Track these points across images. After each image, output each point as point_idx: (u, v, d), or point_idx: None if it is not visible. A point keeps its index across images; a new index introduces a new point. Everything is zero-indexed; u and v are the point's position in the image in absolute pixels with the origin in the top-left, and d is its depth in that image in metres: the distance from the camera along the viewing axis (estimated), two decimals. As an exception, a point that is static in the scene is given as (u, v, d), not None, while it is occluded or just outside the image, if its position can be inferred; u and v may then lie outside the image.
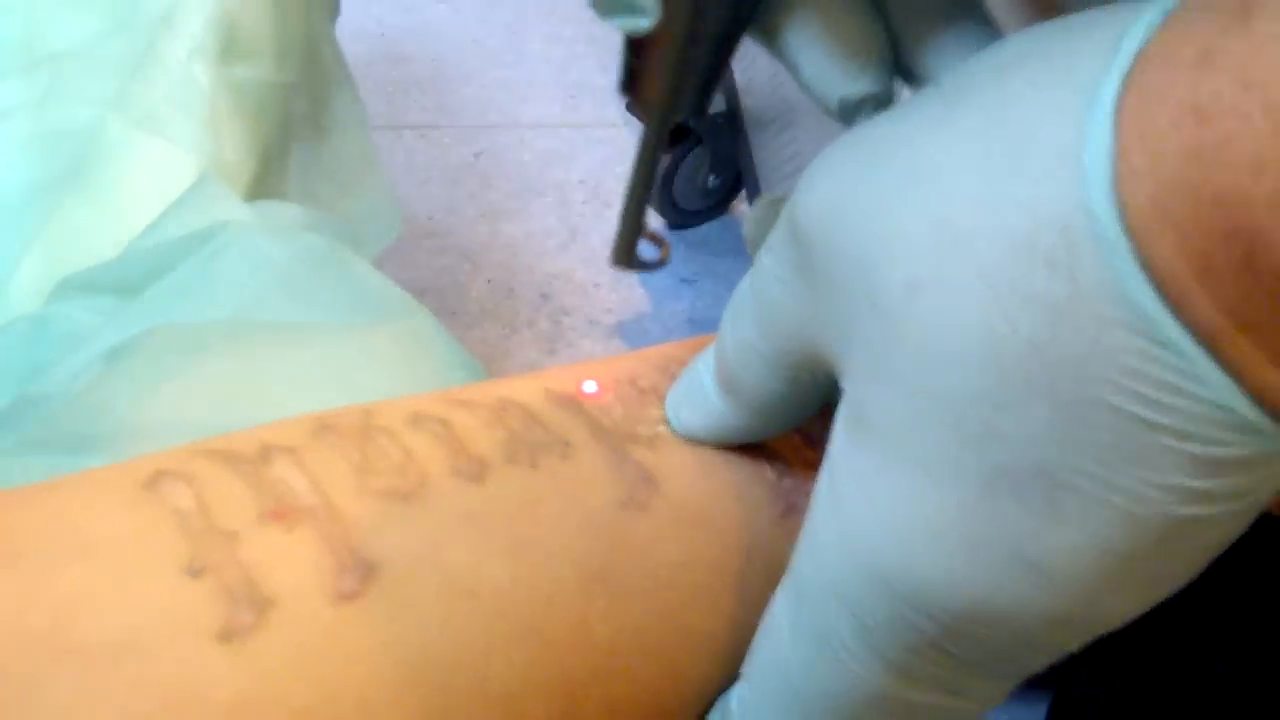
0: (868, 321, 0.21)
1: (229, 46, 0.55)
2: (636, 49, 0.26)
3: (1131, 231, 0.18)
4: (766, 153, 0.79)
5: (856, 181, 0.22)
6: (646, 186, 0.28)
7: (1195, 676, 0.46)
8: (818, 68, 0.25)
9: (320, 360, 0.36)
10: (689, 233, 1.08)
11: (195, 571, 0.22)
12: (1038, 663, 0.22)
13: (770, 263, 0.24)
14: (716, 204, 1.13)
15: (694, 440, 0.27)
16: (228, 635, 0.21)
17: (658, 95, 0.26)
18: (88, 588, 0.21)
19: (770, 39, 0.26)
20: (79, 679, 0.20)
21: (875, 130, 0.22)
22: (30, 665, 0.20)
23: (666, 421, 0.28)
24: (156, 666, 0.21)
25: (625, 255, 0.29)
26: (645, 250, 0.29)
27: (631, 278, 1.00)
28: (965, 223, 0.20)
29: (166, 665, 0.21)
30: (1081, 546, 0.20)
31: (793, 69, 0.26)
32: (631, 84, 0.26)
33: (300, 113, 0.60)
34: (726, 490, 0.27)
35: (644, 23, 0.23)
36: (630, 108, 0.27)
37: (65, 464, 0.33)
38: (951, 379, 0.20)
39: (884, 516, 0.21)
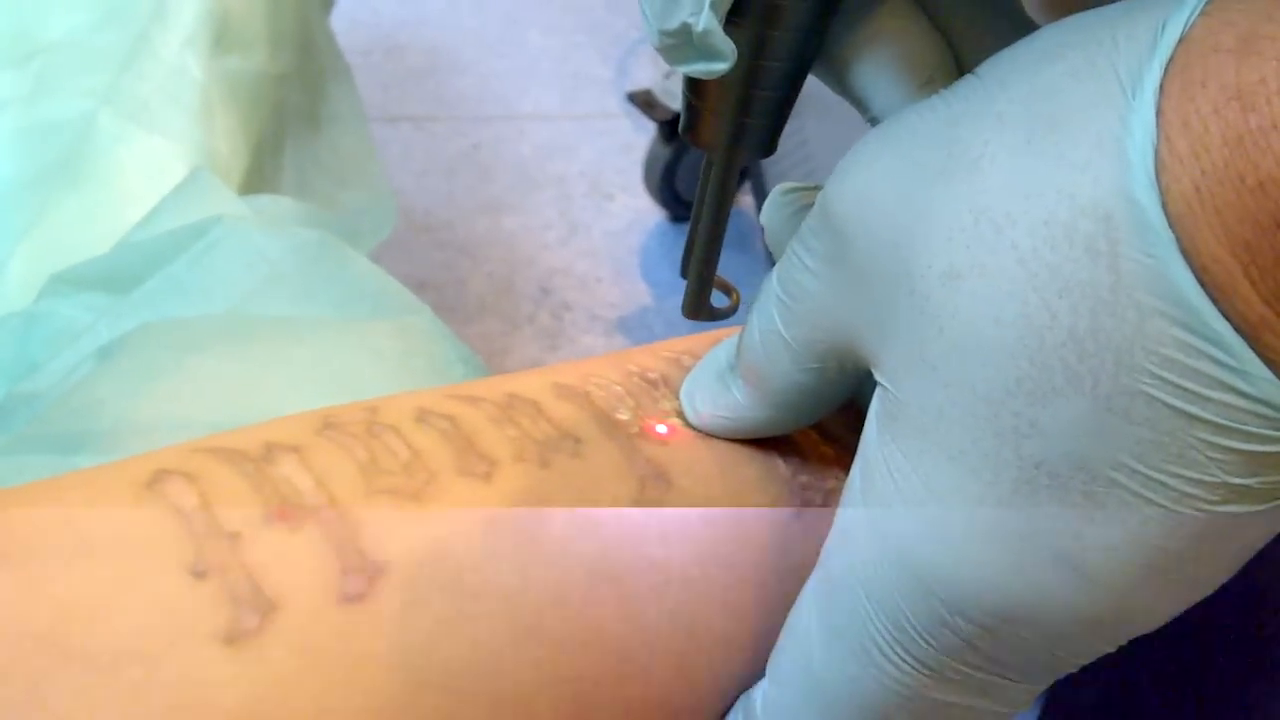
0: (904, 311, 0.21)
1: (222, 37, 0.54)
2: (696, 89, 0.24)
3: (1174, 220, 0.18)
4: (771, 144, 0.78)
5: (894, 170, 0.21)
6: (717, 234, 0.27)
7: (1193, 674, 0.46)
8: (888, 99, 0.24)
9: (317, 356, 0.36)
10: (690, 226, 1.07)
11: (199, 573, 0.22)
12: (1071, 664, 0.22)
13: (801, 251, 0.24)
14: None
15: (709, 433, 0.27)
16: (232, 638, 0.21)
17: (720, 137, 0.25)
18: (90, 590, 0.21)
19: (836, 75, 0.25)
20: (81, 683, 0.20)
21: (912, 119, 0.22)
22: (31, 669, 0.20)
23: (679, 414, 0.27)
24: (160, 670, 0.20)
25: (698, 308, 0.27)
26: (716, 299, 0.28)
27: (632, 271, 1.00)
28: (1005, 210, 0.19)
29: (170, 669, 0.21)
30: (1120, 544, 0.19)
31: (862, 103, 0.25)
32: (693, 126, 0.25)
33: (295, 104, 0.59)
34: (740, 486, 0.26)
35: (721, 66, 0.22)
36: (689, 138, 0.26)
37: (58, 462, 0.33)
38: (989, 370, 0.20)
39: (918, 512, 0.21)
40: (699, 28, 0.21)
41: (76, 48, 0.52)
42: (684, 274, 0.28)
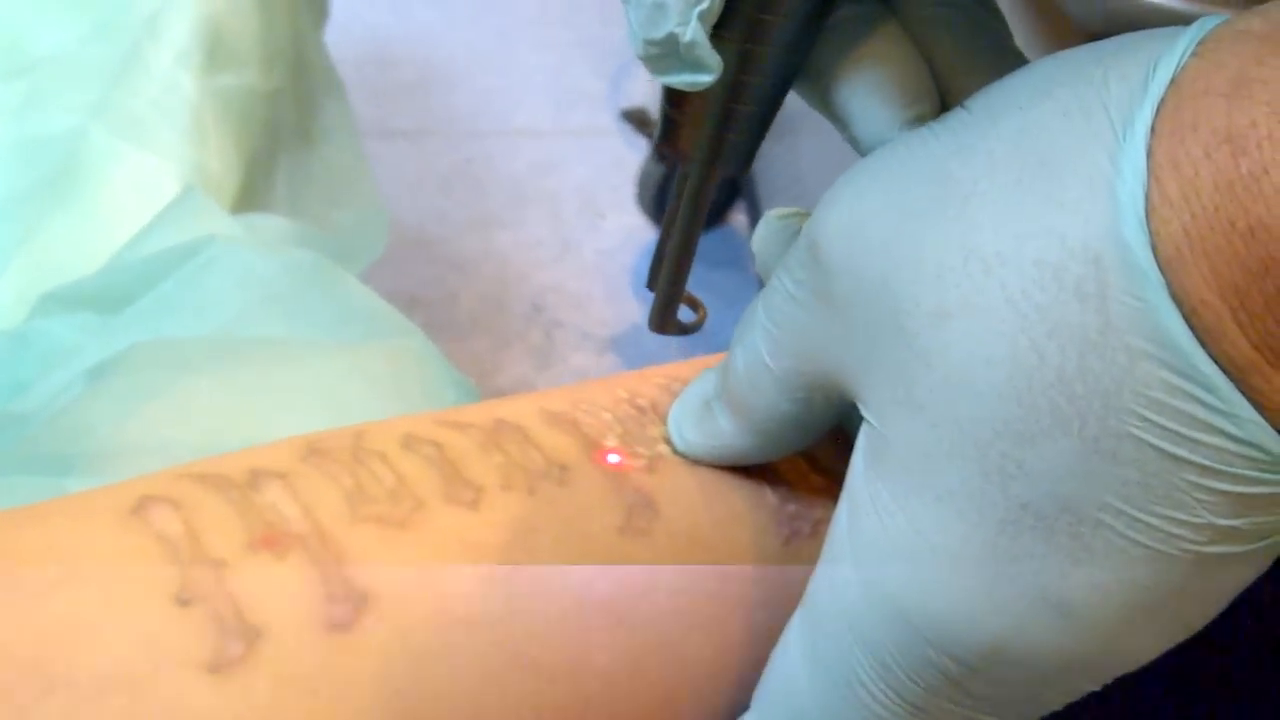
0: (891, 348, 0.21)
1: (214, 53, 0.54)
2: (675, 100, 0.24)
3: (1164, 263, 0.18)
4: (765, 162, 0.79)
5: (882, 205, 0.21)
6: (688, 248, 0.26)
7: (1189, 671, 0.46)
8: (870, 120, 0.24)
9: (308, 379, 0.36)
10: (683, 243, 1.07)
11: (184, 601, 0.22)
12: (1056, 703, 0.22)
13: (787, 282, 0.23)
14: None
15: (696, 460, 0.27)
16: (217, 666, 0.21)
17: (698, 150, 0.24)
18: (74, 617, 0.21)
19: (819, 93, 0.25)
20: (65, 710, 0.20)
21: (901, 152, 0.22)
22: (15, 696, 0.20)
23: (667, 440, 0.27)
24: (144, 699, 0.20)
25: (665, 322, 0.26)
26: (683, 313, 0.27)
27: (624, 290, 1.00)
28: (995, 250, 0.19)
29: (155, 697, 0.20)
30: (1107, 585, 0.19)
31: (842, 122, 0.25)
32: (669, 136, 0.24)
33: (288, 121, 0.59)
34: (728, 515, 0.26)
35: (706, 79, 0.21)
36: (664, 155, 0.25)
37: (46, 484, 0.32)
38: (976, 409, 0.20)
39: (904, 551, 0.21)
40: (686, 38, 0.21)
41: (67, 62, 0.51)
42: (650, 286, 0.27)
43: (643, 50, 0.21)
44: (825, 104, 0.25)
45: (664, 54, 0.21)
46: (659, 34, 0.21)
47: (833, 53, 0.24)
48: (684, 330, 0.26)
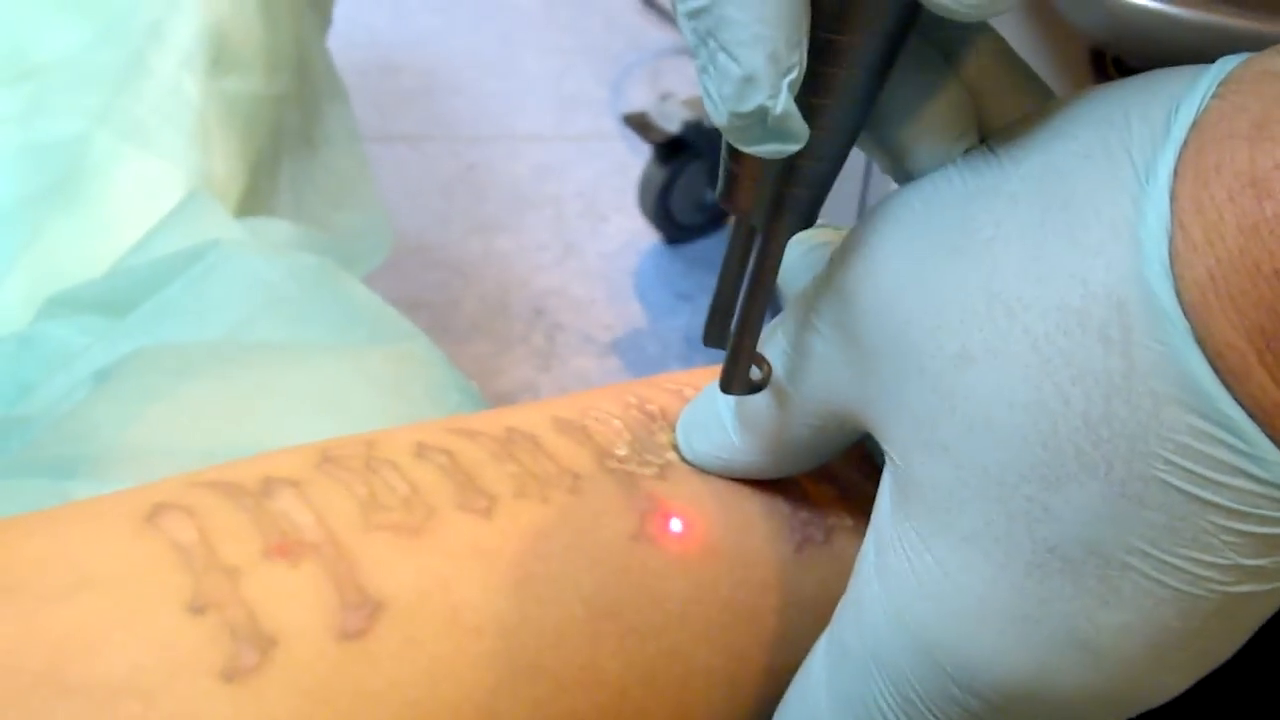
0: (915, 390, 0.21)
1: (219, 58, 0.54)
2: (736, 155, 0.23)
3: (1188, 307, 0.18)
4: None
5: (905, 246, 0.21)
6: (759, 307, 0.25)
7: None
8: (930, 158, 0.22)
9: (313, 383, 0.36)
10: (686, 248, 1.07)
11: (198, 609, 0.22)
12: None
13: (809, 313, 0.23)
14: (714, 219, 1.12)
15: (706, 470, 0.27)
16: (231, 675, 0.21)
17: (760, 206, 0.23)
18: (87, 625, 0.21)
19: (877, 140, 0.24)
20: (78, 719, 0.20)
21: (926, 192, 0.22)
22: (29, 704, 0.20)
23: (675, 448, 0.27)
24: (157, 707, 0.20)
25: (734, 380, 0.25)
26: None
27: (626, 293, 1.00)
28: (1018, 295, 0.19)
29: (168, 706, 0.20)
30: (1134, 627, 0.19)
31: (894, 157, 0.23)
32: (729, 191, 0.23)
33: (291, 125, 0.59)
34: (740, 522, 0.26)
35: (794, 147, 0.20)
36: (726, 205, 0.24)
37: (51, 487, 0.32)
38: (1002, 453, 0.20)
39: (932, 591, 0.21)
40: (777, 110, 0.19)
41: (72, 67, 0.51)
42: (709, 342, 0.26)
43: (727, 122, 0.20)
44: (881, 148, 0.24)
45: (751, 125, 0.20)
46: (748, 107, 0.20)
47: (891, 96, 0.23)
48: (754, 389, 0.25)
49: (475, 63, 1.24)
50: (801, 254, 0.27)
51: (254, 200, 0.53)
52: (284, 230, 0.47)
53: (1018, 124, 0.21)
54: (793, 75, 0.19)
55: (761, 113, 0.20)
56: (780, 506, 0.27)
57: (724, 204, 0.24)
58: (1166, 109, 0.19)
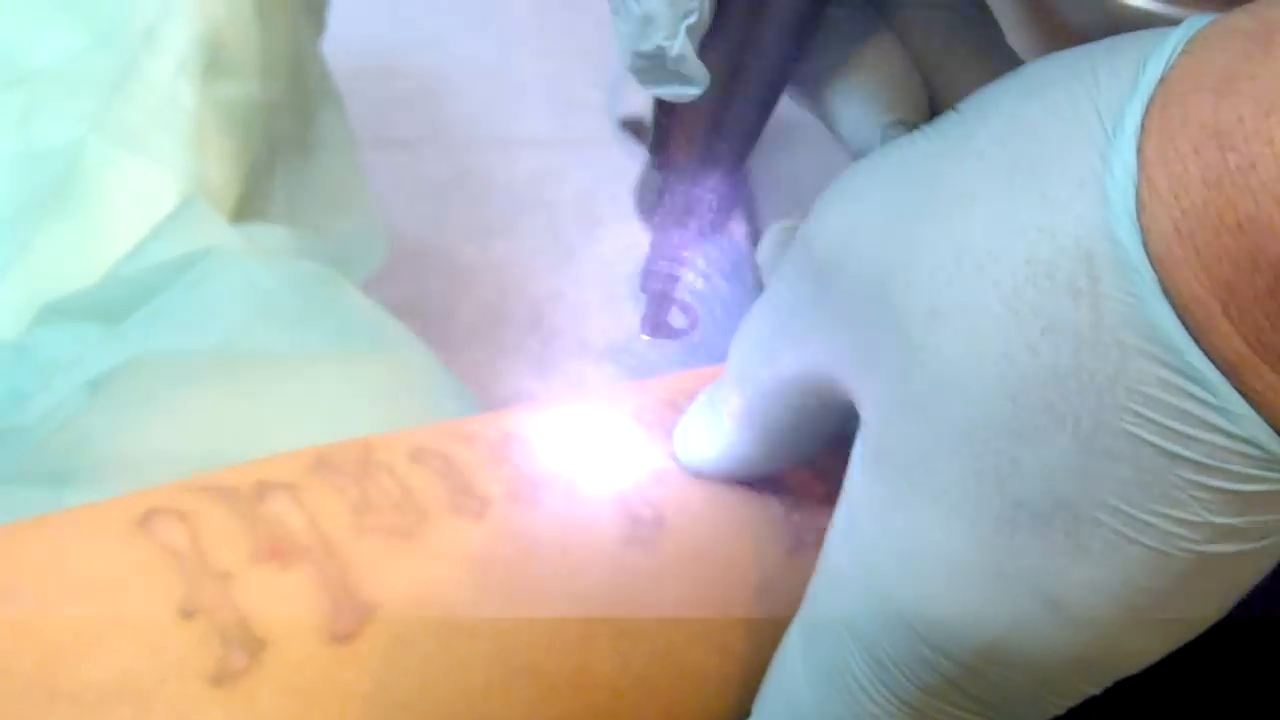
0: (887, 348, 0.21)
1: (213, 64, 0.54)
2: (666, 109, 0.24)
3: (1155, 259, 0.18)
4: (764, 172, 0.79)
5: (876, 207, 0.21)
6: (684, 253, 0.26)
7: (1185, 670, 0.46)
8: (853, 123, 0.24)
9: (310, 391, 0.36)
10: (681, 251, 1.07)
11: (189, 613, 0.22)
12: (1056, 707, 0.21)
13: (783, 288, 0.24)
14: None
15: (700, 473, 0.27)
16: (221, 678, 0.21)
17: (689, 159, 0.25)
18: (79, 629, 0.21)
19: (807, 94, 0.25)
20: None
21: (895, 154, 0.22)
22: (19, 709, 0.20)
23: (673, 454, 0.27)
24: (148, 710, 0.21)
25: (657, 326, 0.27)
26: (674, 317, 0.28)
27: (624, 299, 1.00)
28: (987, 249, 0.19)
29: (159, 709, 0.21)
30: (1104, 584, 0.19)
31: (832, 124, 0.25)
32: (661, 144, 0.25)
33: (286, 131, 0.59)
34: (733, 526, 0.26)
35: (694, 91, 0.22)
36: (657, 157, 0.25)
37: (47, 496, 0.32)
38: (972, 408, 0.20)
39: (902, 551, 0.21)
40: (674, 51, 0.21)
41: (66, 73, 0.51)
42: (644, 289, 0.28)
43: (631, 62, 0.22)
44: (814, 105, 0.25)
45: (652, 66, 0.21)
46: (647, 46, 0.21)
47: (820, 56, 0.24)
48: (676, 334, 0.27)
49: (470, 68, 1.24)
50: (783, 246, 0.27)
51: (249, 206, 0.53)
52: (280, 236, 0.47)
53: (987, 87, 0.21)
54: (692, 20, 0.21)
55: (660, 53, 0.21)
56: (774, 509, 0.27)
57: (656, 162, 0.25)
58: (1134, 65, 0.19)
